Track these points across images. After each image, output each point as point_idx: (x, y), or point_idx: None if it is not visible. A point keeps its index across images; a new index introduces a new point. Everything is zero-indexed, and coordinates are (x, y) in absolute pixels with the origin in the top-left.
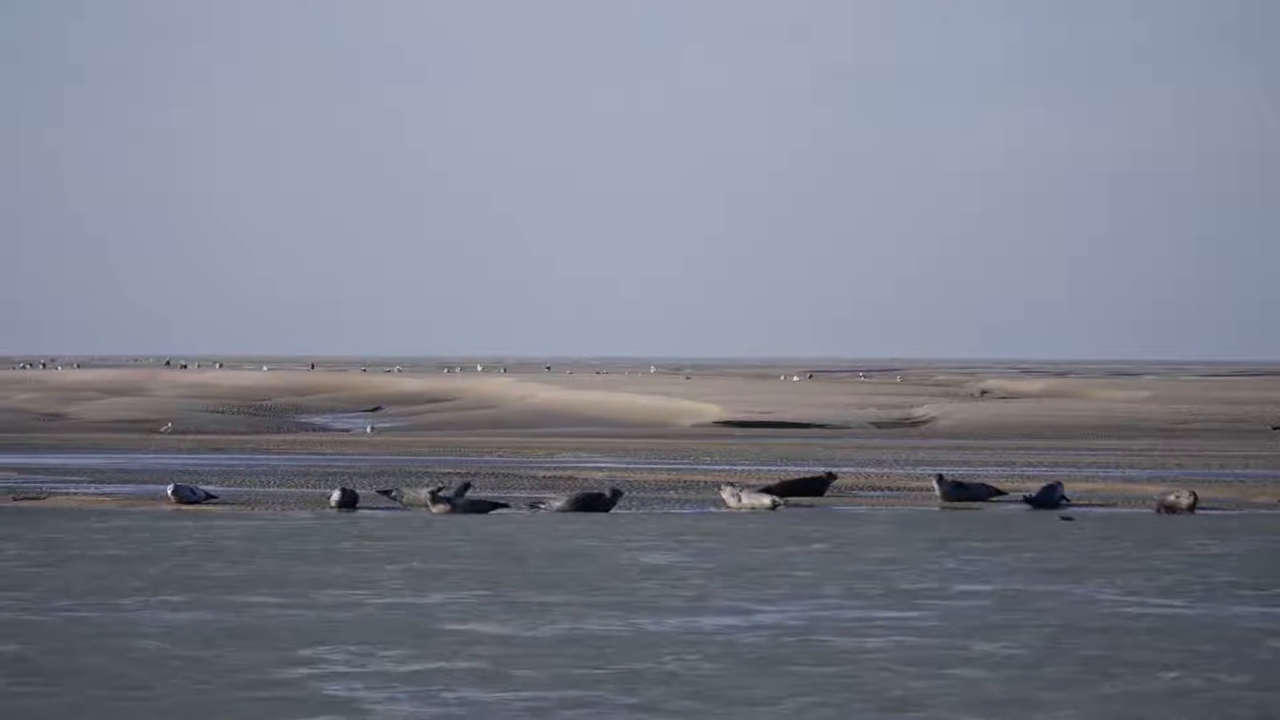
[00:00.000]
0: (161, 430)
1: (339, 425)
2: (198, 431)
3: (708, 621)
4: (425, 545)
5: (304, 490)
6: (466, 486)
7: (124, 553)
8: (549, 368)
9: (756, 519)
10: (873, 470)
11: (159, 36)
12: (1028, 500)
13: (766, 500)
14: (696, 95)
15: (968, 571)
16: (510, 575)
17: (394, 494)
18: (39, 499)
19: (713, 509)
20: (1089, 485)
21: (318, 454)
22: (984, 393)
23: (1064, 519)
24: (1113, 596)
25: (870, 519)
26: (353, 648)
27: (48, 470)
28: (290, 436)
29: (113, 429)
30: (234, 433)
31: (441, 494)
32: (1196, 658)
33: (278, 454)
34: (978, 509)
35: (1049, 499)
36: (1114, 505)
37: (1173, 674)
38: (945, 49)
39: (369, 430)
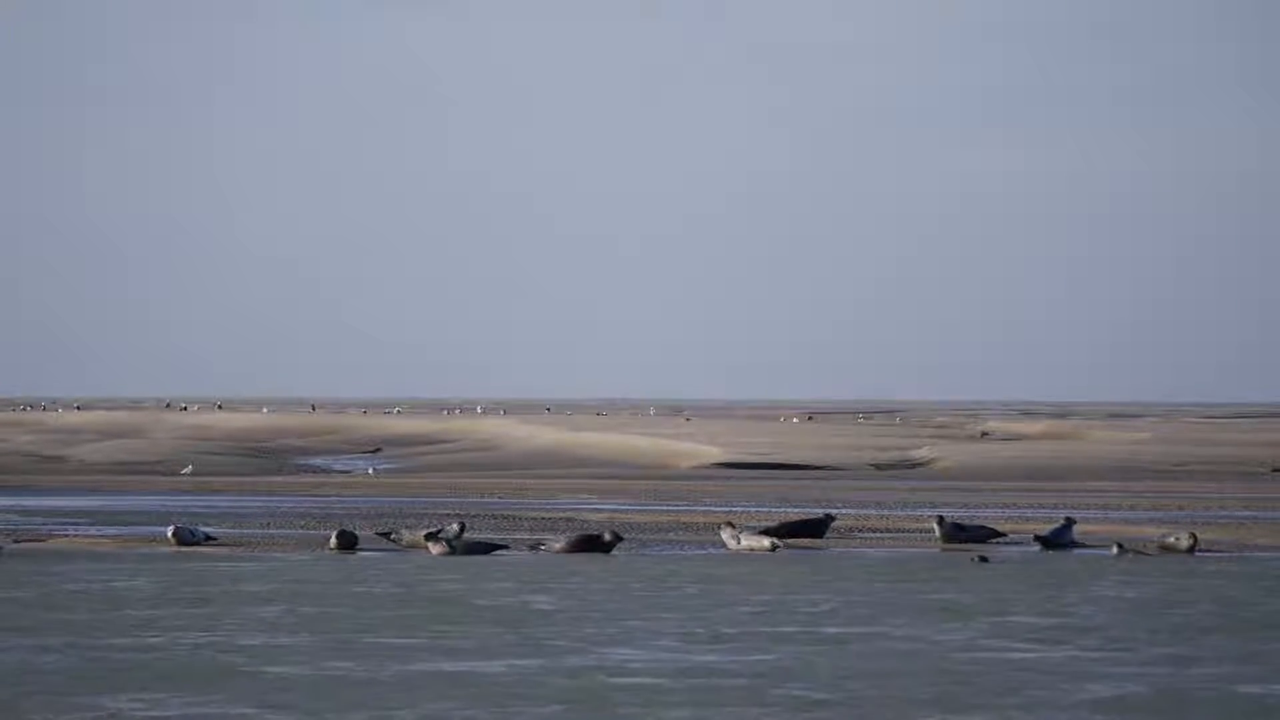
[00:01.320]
0: (181, 472)
1: (339, 467)
2: (215, 473)
3: (519, 663)
4: (311, 584)
5: (304, 532)
6: (463, 528)
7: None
8: (549, 409)
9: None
10: (872, 512)
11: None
12: (1039, 540)
13: (766, 542)
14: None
15: (829, 613)
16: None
17: (393, 536)
18: (40, 541)
19: (712, 549)
20: (1089, 527)
21: (318, 496)
22: (984, 434)
23: (980, 559)
24: (952, 639)
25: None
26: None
27: (48, 512)
28: (291, 478)
29: (113, 471)
30: (257, 474)
31: (440, 535)
32: (976, 700)
33: (278, 495)
34: (969, 549)
35: (1060, 539)
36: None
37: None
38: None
39: (371, 471)
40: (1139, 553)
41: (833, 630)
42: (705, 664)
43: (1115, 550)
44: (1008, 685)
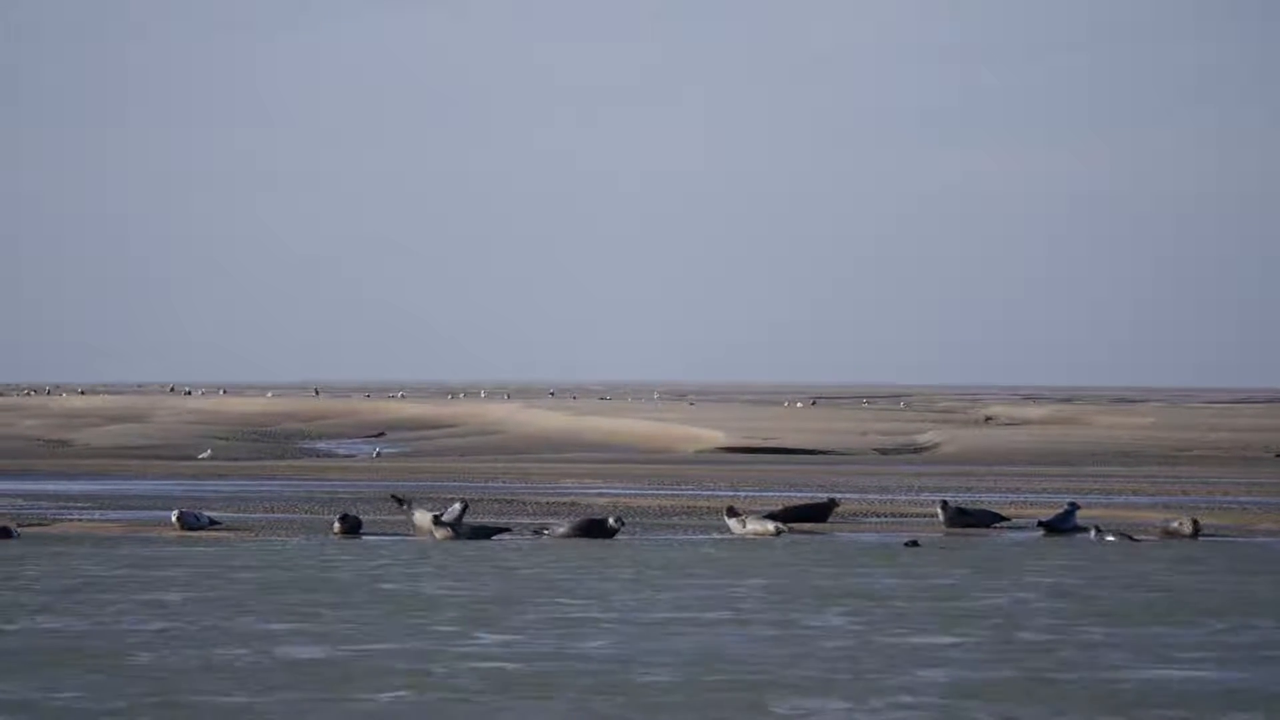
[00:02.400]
0: (200, 457)
1: (343, 451)
2: (232, 458)
3: (361, 647)
4: (206, 569)
5: (308, 516)
6: (465, 508)
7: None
8: (553, 393)
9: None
10: (876, 496)
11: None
12: (1042, 525)
13: (770, 527)
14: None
15: (707, 599)
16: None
17: (406, 506)
18: (44, 525)
19: (716, 534)
20: (1092, 512)
21: (322, 480)
22: (988, 419)
23: (911, 543)
24: (810, 625)
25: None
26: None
27: (52, 497)
28: (295, 462)
29: (118, 455)
30: (272, 458)
31: (442, 518)
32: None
33: (282, 479)
34: (980, 535)
35: (1064, 524)
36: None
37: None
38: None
39: (375, 454)
40: (1127, 537)
41: (696, 617)
42: (538, 651)
43: (1093, 534)
44: (813, 670)
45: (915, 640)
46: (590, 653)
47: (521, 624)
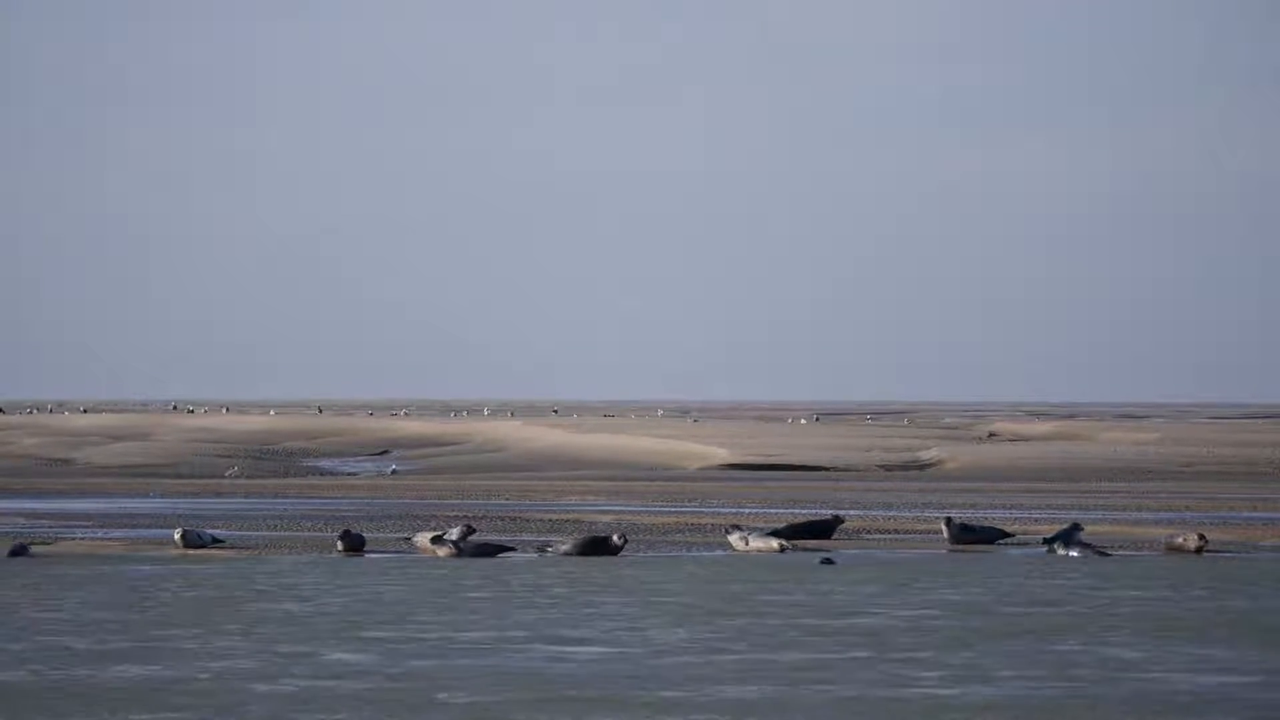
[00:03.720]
0: (226, 474)
1: (347, 469)
2: (257, 477)
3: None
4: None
5: (311, 534)
6: (470, 530)
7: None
8: (556, 411)
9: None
10: (880, 513)
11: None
12: (1046, 542)
13: (774, 544)
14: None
15: (560, 619)
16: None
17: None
18: (47, 544)
19: (720, 551)
20: (1097, 528)
21: (326, 498)
22: (991, 435)
23: (825, 560)
24: (659, 639)
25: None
26: None
27: (55, 515)
28: (299, 480)
29: (120, 474)
30: (276, 476)
31: (446, 537)
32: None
33: (286, 498)
34: (985, 550)
35: (1068, 541)
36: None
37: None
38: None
39: (390, 471)
40: (1100, 553)
41: (531, 634)
42: (344, 666)
43: (1044, 547)
44: (620, 684)
45: (750, 656)
46: (395, 671)
47: (360, 643)
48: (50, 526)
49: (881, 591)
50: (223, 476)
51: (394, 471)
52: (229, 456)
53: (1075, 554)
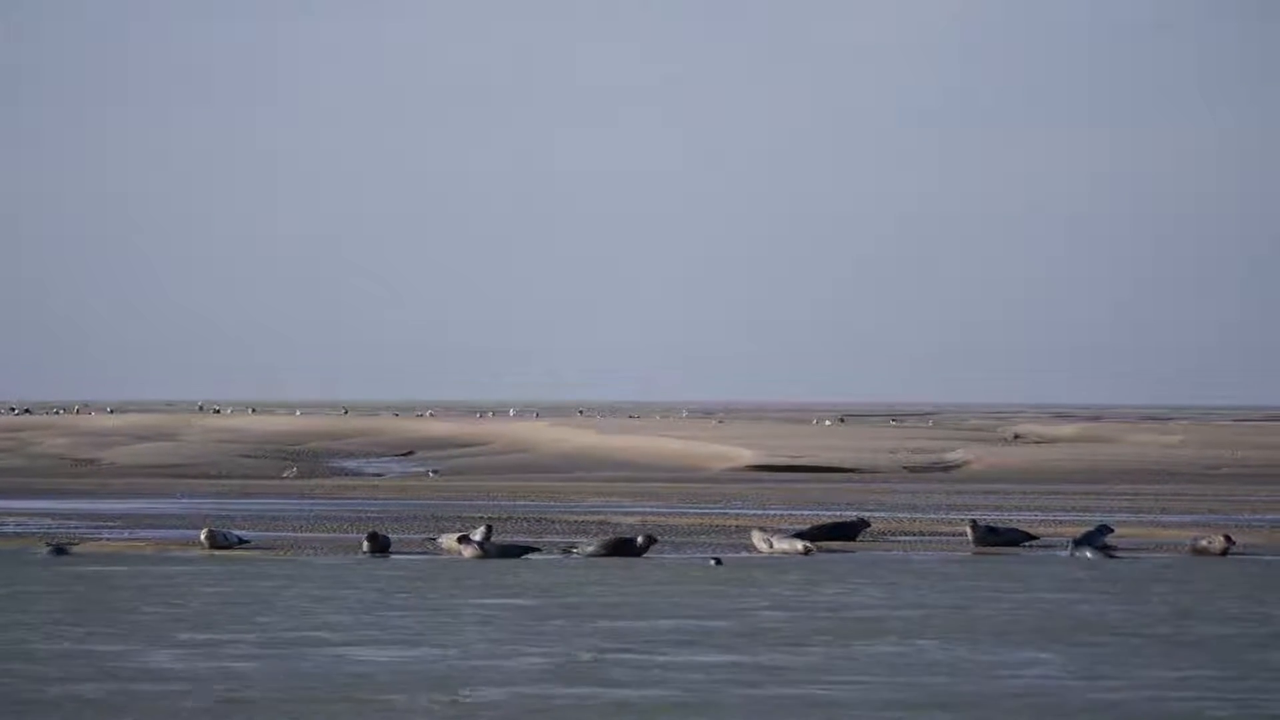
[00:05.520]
0: (284, 475)
1: (372, 470)
2: (316, 476)
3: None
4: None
5: (336, 535)
6: (490, 530)
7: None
8: (581, 412)
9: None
10: (905, 515)
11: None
12: (1073, 544)
13: (799, 545)
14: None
15: (485, 615)
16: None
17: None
18: (74, 544)
19: (745, 553)
20: (1122, 530)
21: (351, 498)
22: (1017, 437)
23: (715, 561)
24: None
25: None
26: None
27: (81, 516)
28: (324, 481)
29: (147, 474)
30: (301, 476)
31: (471, 538)
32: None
33: (312, 498)
34: (1002, 553)
35: (1094, 543)
36: (1143, 551)
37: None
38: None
39: (430, 474)
40: (1110, 555)
41: (358, 635)
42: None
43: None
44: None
45: (550, 650)
46: (206, 672)
47: (195, 641)
48: (76, 527)
49: (746, 594)
50: (281, 478)
51: (435, 473)
52: (255, 457)
53: (1089, 555)
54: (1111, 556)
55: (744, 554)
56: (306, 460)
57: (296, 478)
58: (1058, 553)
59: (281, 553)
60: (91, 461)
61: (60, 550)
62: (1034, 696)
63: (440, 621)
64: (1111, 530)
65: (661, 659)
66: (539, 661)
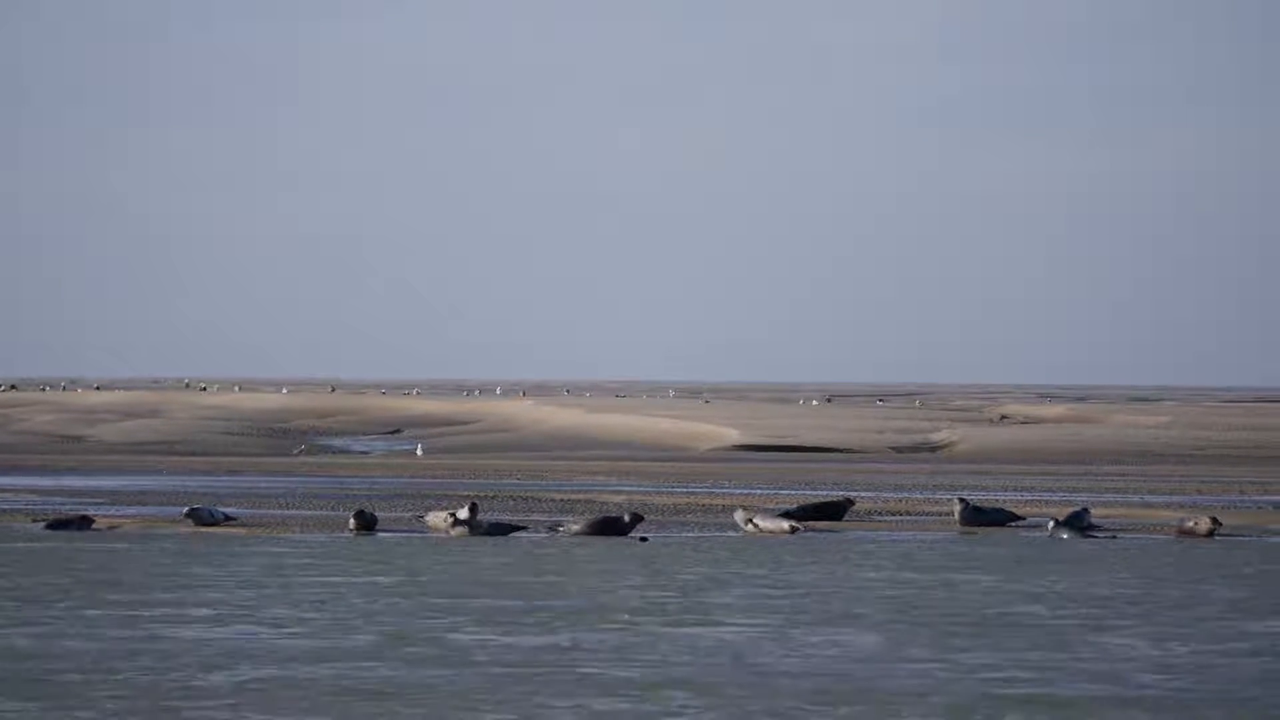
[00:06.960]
0: (295, 452)
1: (359, 448)
2: (324, 451)
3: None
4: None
5: (323, 513)
6: (475, 508)
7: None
8: (568, 391)
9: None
10: (891, 495)
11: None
12: (1057, 524)
13: (785, 525)
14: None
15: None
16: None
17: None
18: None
19: (731, 532)
20: (1107, 510)
21: (337, 476)
22: (1003, 417)
23: (641, 539)
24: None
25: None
26: None
27: (68, 492)
28: (310, 459)
29: (133, 451)
30: (288, 454)
31: (458, 516)
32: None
33: (299, 476)
34: (987, 532)
35: (1076, 524)
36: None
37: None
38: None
39: (419, 453)
40: (1088, 535)
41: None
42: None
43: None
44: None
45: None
46: (87, 649)
47: (101, 615)
48: (61, 503)
49: (648, 569)
50: (293, 455)
51: (420, 453)
52: (241, 435)
53: (1065, 536)
54: (1090, 537)
55: (730, 533)
56: (294, 438)
57: (305, 454)
58: (1037, 534)
59: (267, 530)
60: (78, 438)
61: (84, 523)
62: (820, 677)
63: (278, 597)
64: (1088, 513)
65: (457, 638)
66: (327, 642)
